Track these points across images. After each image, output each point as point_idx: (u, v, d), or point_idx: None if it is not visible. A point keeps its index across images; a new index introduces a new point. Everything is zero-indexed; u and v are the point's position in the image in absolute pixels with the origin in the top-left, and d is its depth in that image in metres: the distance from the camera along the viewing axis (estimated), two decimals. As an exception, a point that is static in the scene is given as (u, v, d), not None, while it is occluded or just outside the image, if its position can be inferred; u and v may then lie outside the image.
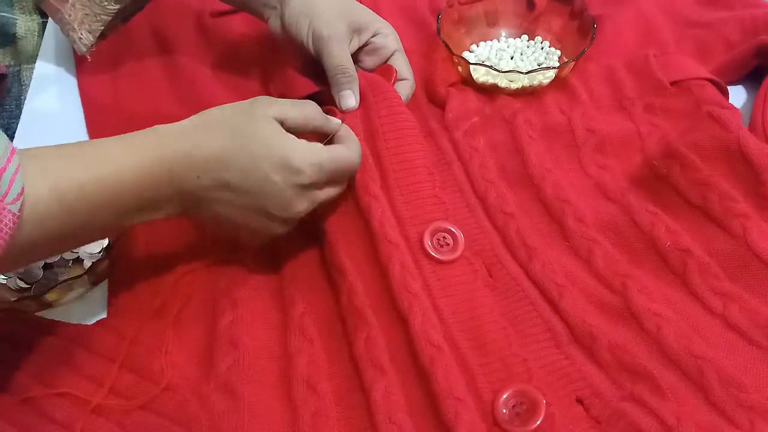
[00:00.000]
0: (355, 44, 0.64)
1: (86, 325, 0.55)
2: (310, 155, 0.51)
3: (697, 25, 0.75)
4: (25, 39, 0.81)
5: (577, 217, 0.57)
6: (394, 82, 0.64)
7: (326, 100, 0.61)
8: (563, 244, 0.57)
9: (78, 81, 0.77)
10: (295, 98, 0.62)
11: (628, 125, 0.66)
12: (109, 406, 0.49)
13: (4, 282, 0.58)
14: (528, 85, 0.69)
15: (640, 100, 0.67)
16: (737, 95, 0.70)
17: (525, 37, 0.75)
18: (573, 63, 0.69)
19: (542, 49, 0.74)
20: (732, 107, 0.65)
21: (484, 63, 0.70)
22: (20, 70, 0.79)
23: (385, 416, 0.46)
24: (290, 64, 0.67)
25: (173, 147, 0.47)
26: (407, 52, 0.67)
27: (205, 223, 0.56)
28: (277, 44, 0.68)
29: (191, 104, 0.71)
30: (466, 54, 0.74)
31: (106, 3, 0.69)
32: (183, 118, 0.50)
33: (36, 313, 0.56)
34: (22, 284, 0.58)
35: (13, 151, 0.40)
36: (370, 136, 0.58)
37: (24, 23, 0.81)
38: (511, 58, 0.73)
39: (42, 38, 0.82)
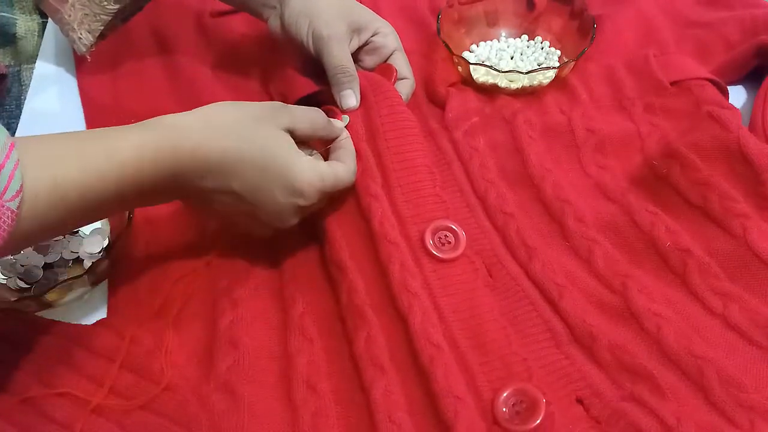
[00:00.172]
0: (355, 44, 0.64)
1: (86, 325, 0.55)
2: (315, 179, 0.51)
3: (697, 25, 0.75)
4: (25, 39, 0.81)
5: (577, 217, 0.57)
6: (395, 82, 0.64)
7: (326, 100, 0.61)
8: (563, 244, 0.57)
9: (78, 81, 0.77)
10: (295, 98, 0.62)
11: (628, 125, 0.66)
12: (109, 406, 0.49)
13: (4, 282, 0.58)
14: (528, 85, 0.69)
15: (640, 100, 0.67)
16: (737, 95, 0.70)
17: (525, 37, 0.75)
18: (573, 63, 0.69)
19: (542, 49, 0.74)
20: (732, 107, 0.65)
21: (484, 63, 0.70)
22: (20, 70, 0.79)
23: (385, 415, 0.46)
24: (290, 64, 0.67)
25: (177, 143, 0.47)
26: (407, 52, 0.67)
27: (198, 210, 0.57)
28: (277, 44, 0.68)
29: (191, 104, 0.70)
30: (466, 54, 0.74)
31: (105, 3, 0.69)
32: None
33: (36, 313, 0.56)
34: (22, 284, 0.58)
35: (12, 145, 0.39)
36: (370, 136, 0.58)
37: (24, 23, 0.81)
38: (511, 58, 0.73)
39: (42, 38, 0.82)
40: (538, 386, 0.47)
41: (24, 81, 0.78)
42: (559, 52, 0.73)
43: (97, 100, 0.75)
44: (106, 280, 0.59)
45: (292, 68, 0.67)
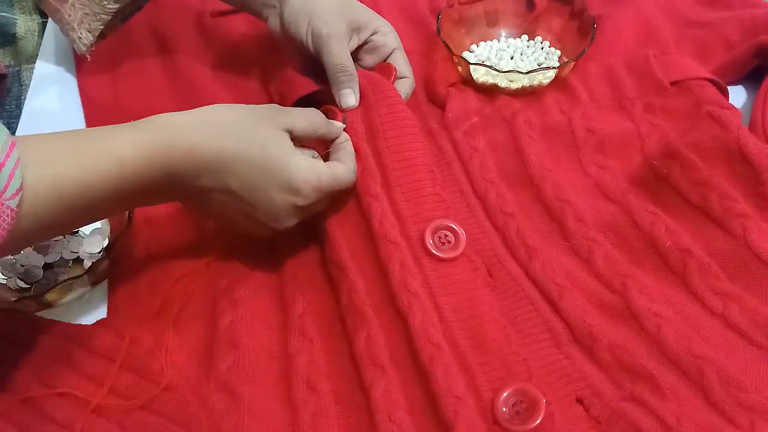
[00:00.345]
0: (355, 42, 0.64)
1: (86, 325, 0.55)
2: (312, 178, 0.51)
3: (697, 25, 0.75)
4: (25, 39, 0.81)
5: (577, 217, 0.57)
6: (394, 81, 0.64)
7: (326, 100, 0.61)
8: (563, 244, 0.57)
9: (78, 81, 0.77)
10: (294, 98, 0.62)
11: (628, 125, 0.66)
12: (109, 406, 0.49)
13: (4, 282, 0.58)
14: (528, 85, 0.69)
15: (640, 100, 0.67)
16: (737, 95, 0.70)
17: (525, 37, 0.75)
18: (573, 63, 0.69)
19: (542, 49, 0.74)
20: (732, 107, 0.65)
21: (484, 63, 0.70)
22: (20, 70, 0.79)
23: (385, 415, 0.46)
24: (290, 64, 0.67)
25: (172, 142, 0.47)
26: (407, 52, 0.67)
27: (196, 210, 0.57)
28: (276, 44, 0.68)
29: (191, 104, 0.70)
30: (466, 54, 0.74)
31: (105, 2, 0.69)
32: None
33: (36, 313, 0.56)
34: (22, 284, 0.58)
35: (13, 144, 0.39)
36: (370, 135, 0.58)
37: (24, 23, 0.81)
38: (511, 58, 0.73)
39: (42, 38, 0.82)
40: (538, 386, 0.47)
41: (24, 81, 0.78)
42: (559, 52, 0.73)
43: (97, 100, 0.75)
44: (106, 280, 0.59)
45: (291, 68, 0.67)
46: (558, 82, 0.70)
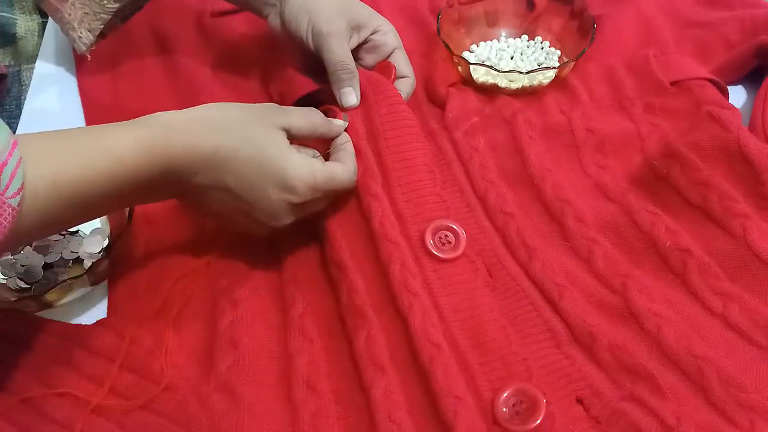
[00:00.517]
0: (355, 41, 0.64)
1: (86, 325, 0.55)
2: (307, 176, 0.51)
3: (697, 25, 0.75)
4: (25, 39, 0.81)
5: (577, 217, 0.57)
6: (394, 80, 0.64)
7: (326, 99, 0.61)
8: (563, 244, 0.57)
9: (78, 81, 0.77)
10: (294, 98, 0.62)
11: (628, 125, 0.66)
12: (109, 406, 0.49)
13: (4, 282, 0.58)
14: (528, 85, 0.69)
15: (640, 100, 0.67)
16: (737, 95, 0.70)
17: (525, 37, 0.75)
18: (573, 63, 0.69)
19: (542, 49, 0.74)
20: (732, 107, 0.65)
21: (484, 63, 0.70)
22: (20, 70, 0.79)
23: (385, 415, 0.46)
24: (290, 62, 0.67)
25: (169, 140, 0.47)
26: (407, 52, 0.67)
27: (194, 208, 0.57)
28: (276, 43, 0.68)
29: (191, 104, 0.70)
30: (466, 54, 0.74)
31: (105, 2, 0.69)
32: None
33: (36, 313, 0.56)
34: (22, 284, 0.58)
35: (15, 144, 0.40)
36: (370, 135, 0.58)
37: (24, 23, 0.81)
38: (511, 58, 0.73)
39: (42, 38, 0.82)
40: (538, 386, 0.47)
41: (24, 81, 0.78)
42: (559, 52, 0.73)
43: (97, 100, 0.75)
44: (106, 280, 0.59)
45: (292, 67, 0.67)
46: (558, 82, 0.70)
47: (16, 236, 0.41)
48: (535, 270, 0.54)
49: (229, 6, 0.75)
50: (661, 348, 0.49)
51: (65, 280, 0.55)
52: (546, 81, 0.69)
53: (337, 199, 0.56)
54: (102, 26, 0.70)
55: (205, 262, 0.59)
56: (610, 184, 0.61)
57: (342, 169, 0.54)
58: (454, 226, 0.54)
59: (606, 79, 0.70)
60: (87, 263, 0.60)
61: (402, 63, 0.65)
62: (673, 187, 0.59)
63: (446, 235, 0.54)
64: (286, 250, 0.58)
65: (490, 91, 0.70)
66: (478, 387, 0.47)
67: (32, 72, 0.79)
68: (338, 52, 0.60)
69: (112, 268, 0.59)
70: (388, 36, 0.66)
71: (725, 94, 0.68)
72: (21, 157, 0.40)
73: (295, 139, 0.53)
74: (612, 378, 0.48)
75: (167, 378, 0.50)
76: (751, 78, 0.71)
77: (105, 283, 0.59)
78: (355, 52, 0.64)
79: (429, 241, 0.53)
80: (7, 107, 0.76)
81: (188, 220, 0.62)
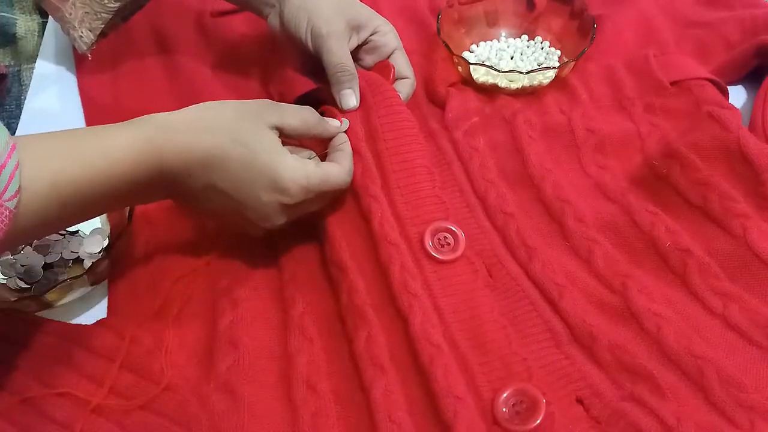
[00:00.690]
0: (354, 42, 0.64)
1: (86, 325, 0.55)
2: (299, 177, 0.51)
3: (697, 25, 0.75)
4: (25, 39, 0.81)
5: (577, 217, 0.57)
6: (393, 80, 0.64)
7: (325, 97, 0.61)
8: (563, 244, 0.57)
9: (78, 81, 0.77)
10: (294, 97, 0.62)
11: (628, 125, 0.66)
12: (109, 406, 0.49)
13: (4, 282, 0.58)
14: (528, 85, 0.69)
15: (640, 100, 0.67)
16: (737, 95, 0.70)
17: (525, 37, 0.75)
18: (573, 63, 0.69)
19: (542, 49, 0.74)
20: (732, 107, 0.65)
21: (484, 63, 0.70)
22: (20, 70, 0.79)
23: (385, 415, 0.46)
24: (289, 63, 0.67)
25: (164, 141, 0.47)
26: (407, 52, 0.67)
27: (188, 209, 0.57)
28: (276, 43, 0.68)
29: (191, 104, 0.71)
30: (466, 54, 0.74)
31: (106, 1, 0.69)
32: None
33: (36, 313, 0.56)
34: (22, 284, 0.58)
35: (14, 147, 0.40)
36: (369, 136, 0.58)
37: (24, 23, 0.81)
38: (511, 58, 0.73)
39: (42, 38, 0.82)
40: (538, 386, 0.47)
41: (24, 81, 0.78)
42: (559, 52, 0.73)
43: (97, 99, 0.75)
44: (106, 280, 0.59)
45: (291, 67, 0.67)
46: (558, 82, 0.70)
47: (13, 237, 0.41)
48: (535, 270, 0.54)
49: (229, 6, 0.75)
50: (661, 348, 0.49)
51: (65, 280, 0.55)
52: (546, 81, 0.69)
53: (337, 199, 0.56)
54: (103, 25, 0.70)
55: (205, 262, 0.59)
56: (610, 184, 0.61)
57: (337, 170, 0.54)
58: (454, 228, 0.54)
59: (606, 79, 0.70)
60: (87, 263, 0.60)
61: (402, 64, 0.65)
62: (673, 187, 0.59)
63: (445, 237, 0.54)
64: (286, 250, 0.58)
65: (490, 91, 0.70)
66: (478, 387, 0.47)
67: (32, 72, 0.79)
68: (337, 54, 0.60)
69: (112, 268, 0.59)
70: (387, 36, 0.65)
71: (725, 94, 0.68)
72: (19, 160, 0.40)
73: (289, 138, 0.53)
74: (612, 378, 0.48)
75: (167, 378, 0.50)
76: (751, 78, 0.71)
77: (105, 283, 0.59)
78: (355, 53, 0.64)
79: (428, 243, 0.53)
80: (7, 107, 0.76)
81: (188, 220, 0.62)
